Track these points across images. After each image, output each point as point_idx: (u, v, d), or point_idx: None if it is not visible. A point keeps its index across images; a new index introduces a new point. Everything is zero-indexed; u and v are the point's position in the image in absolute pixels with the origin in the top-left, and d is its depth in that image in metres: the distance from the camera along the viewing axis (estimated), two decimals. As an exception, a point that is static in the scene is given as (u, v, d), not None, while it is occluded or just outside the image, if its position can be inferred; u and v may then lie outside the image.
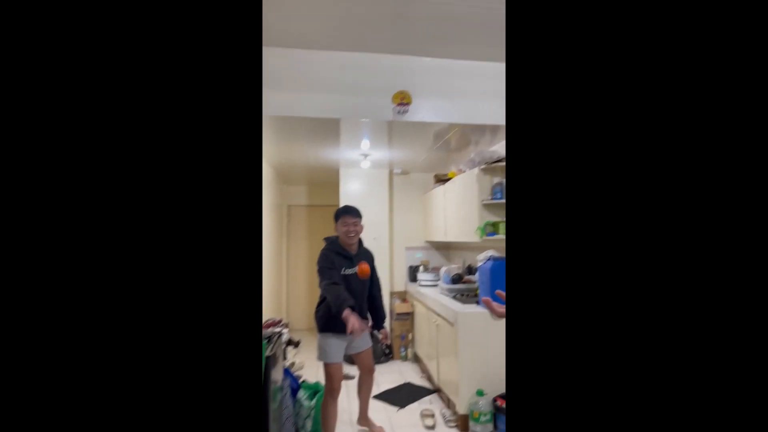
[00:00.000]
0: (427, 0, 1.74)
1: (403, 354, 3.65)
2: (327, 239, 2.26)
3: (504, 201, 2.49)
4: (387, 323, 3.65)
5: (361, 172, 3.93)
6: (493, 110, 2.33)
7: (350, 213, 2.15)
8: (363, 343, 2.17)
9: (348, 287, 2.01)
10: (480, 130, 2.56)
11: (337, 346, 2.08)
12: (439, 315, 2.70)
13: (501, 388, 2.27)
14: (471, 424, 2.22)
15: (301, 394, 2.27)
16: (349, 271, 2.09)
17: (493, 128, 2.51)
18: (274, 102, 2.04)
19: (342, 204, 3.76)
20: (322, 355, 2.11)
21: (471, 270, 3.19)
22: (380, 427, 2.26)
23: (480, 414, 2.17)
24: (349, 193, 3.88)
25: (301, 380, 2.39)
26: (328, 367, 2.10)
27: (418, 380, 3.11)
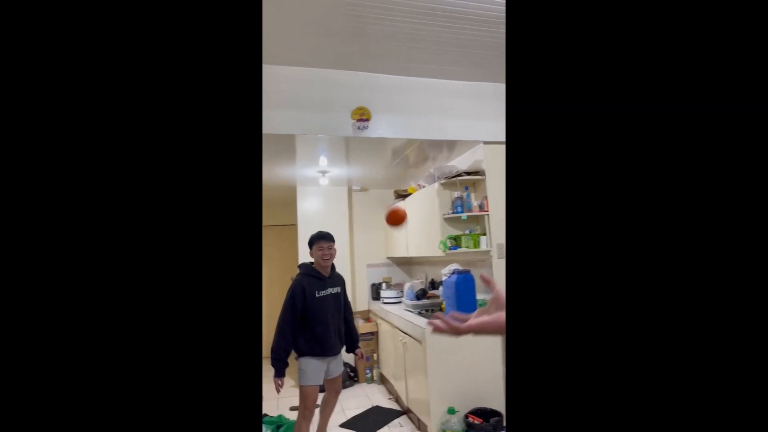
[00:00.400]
0: (385, 18, 1.74)
1: (369, 376, 3.54)
2: (301, 265, 2.34)
3: (462, 215, 2.53)
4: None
5: (319, 189, 3.84)
6: (451, 126, 2.39)
7: (325, 238, 2.20)
8: (337, 368, 2.24)
9: (322, 309, 2.12)
10: (438, 145, 2.60)
11: (317, 368, 2.12)
12: (405, 333, 2.65)
13: (472, 404, 2.27)
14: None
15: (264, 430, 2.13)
16: (323, 293, 2.15)
17: (451, 143, 2.56)
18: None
19: (300, 223, 3.70)
20: (302, 378, 2.11)
21: (434, 285, 3.19)
22: None
23: (453, 433, 2.14)
24: (307, 212, 3.77)
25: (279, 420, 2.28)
26: (306, 389, 2.11)
27: (386, 402, 3.02)
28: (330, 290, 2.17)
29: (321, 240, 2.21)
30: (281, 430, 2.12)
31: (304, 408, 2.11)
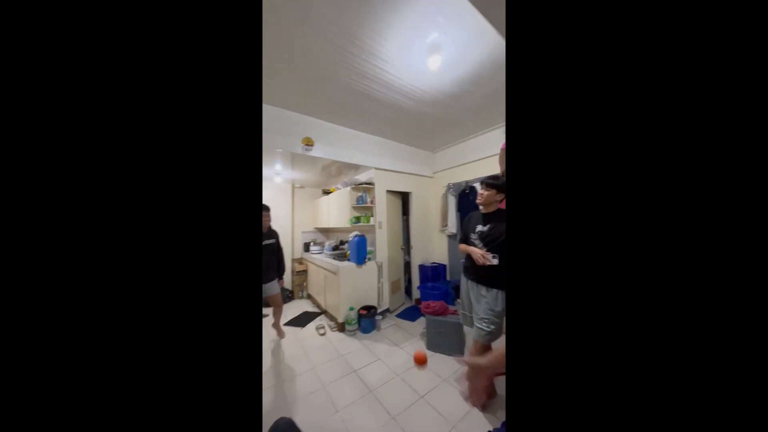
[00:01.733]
0: (331, 84, 1.64)
1: (301, 295, 3.34)
2: None
3: (362, 205, 2.58)
4: (288, 276, 3.27)
5: (274, 185, 3.37)
6: (359, 157, 2.39)
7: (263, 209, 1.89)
8: (273, 289, 2.01)
9: (265, 255, 1.90)
10: (349, 166, 2.57)
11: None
12: (325, 269, 2.59)
13: (361, 304, 2.34)
14: (346, 326, 2.21)
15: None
16: (266, 242, 1.92)
17: (356, 166, 2.56)
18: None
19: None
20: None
21: (342, 242, 3.18)
22: (283, 332, 2.20)
23: (351, 320, 2.19)
24: (266, 198, 3.27)
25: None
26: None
27: (311, 309, 2.90)
28: (267, 241, 1.92)
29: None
30: None
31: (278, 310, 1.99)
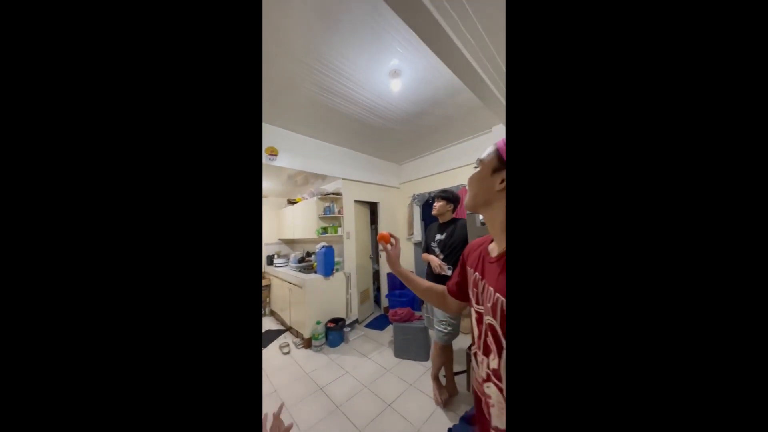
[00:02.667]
0: (296, 96, 1.65)
1: (264, 312, 3.10)
2: None
3: (329, 216, 2.57)
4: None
5: (231, 193, 3.13)
6: (325, 167, 2.40)
7: None
8: None
9: None
10: (315, 176, 2.55)
11: None
12: (290, 283, 2.47)
13: (328, 317, 2.28)
14: (313, 341, 2.13)
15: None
16: None
17: (324, 177, 2.56)
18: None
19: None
20: None
21: (309, 254, 3.08)
22: None
23: (318, 334, 2.12)
24: (220, 208, 3.02)
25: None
26: None
27: (274, 326, 2.72)
28: None
29: None
30: None
31: None
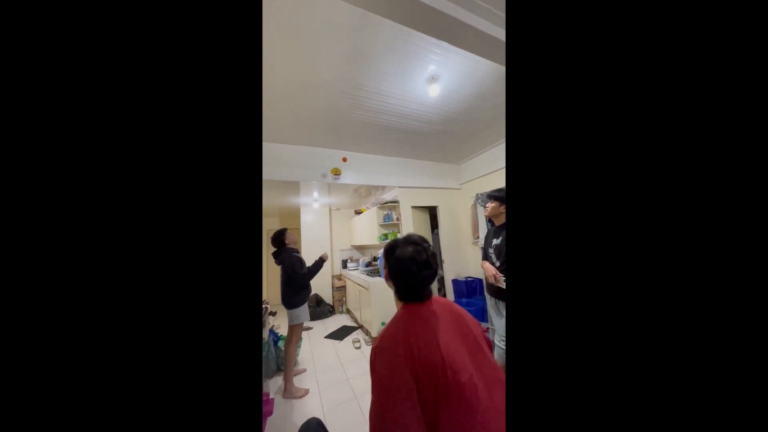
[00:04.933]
0: (349, 122, 1.90)
1: (341, 310, 3.57)
2: (285, 249, 1.81)
3: (388, 223, 2.73)
4: (329, 292, 3.54)
5: (313, 209, 3.83)
6: (383, 178, 2.59)
7: (288, 231, 1.87)
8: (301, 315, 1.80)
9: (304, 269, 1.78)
10: (376, 187, 2.78)
11: (305, 311, 1.77)
12: (360, 285, 2.75)
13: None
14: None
15: (280, 344, 2.09)
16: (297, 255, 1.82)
17: (383, 187, 2.76)
18: (264, 172, 1.95)
19: (303, 229, 3.68)
20: (296, 320, 1.72)
21: (375, 258, 3.34)
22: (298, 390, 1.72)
23: (383, 334, 2.26)
24: (306, 222, 3.75)
25: (279, 335, 2.21)
26: (297, 327, 1.74)
27: (349, 322, 3.07)
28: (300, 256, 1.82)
29: (288, 232, 1.85)
30: (280, 342, 2.11)
31: (297, 337, 1.76)
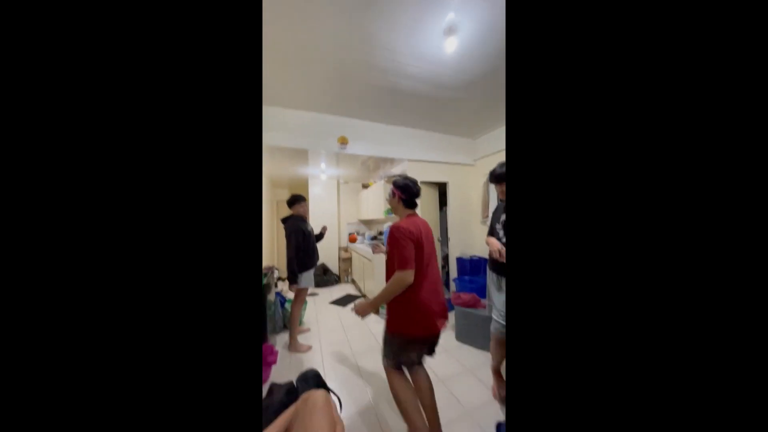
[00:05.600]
0: (356, 84, 1.77)
1: (347, 279, 3.72)
2: (292, 217, 1.91)
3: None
4: (335, 262, 3.66)
5: (320, 181, 3.81)
6: (391, 150, 2.48)
7: (304, 199, 1.96)
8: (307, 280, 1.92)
9: (312, 237, 1.91)
10: (384, 160, 2.70)
11: (310, 276, 1.90)
12: (364, 257, 2.81)
13: (395, 290, 2.46)
14: (380, 309, 2.39)
15: (287, 305, 2.23)
16: (310, 229, 1.93)
17: (392, 160, 2.66)
18: (269, 137, 1.91)
19: (311, 200, 3.71)
20: (301, 283, 1.82)
21: (380, 233, 3.37)
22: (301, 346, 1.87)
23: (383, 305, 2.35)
24: (314, 194, 3.76)
25: (286, 298, 2.35)
26: (302, 290, 1.87)
27: (354, 291, 3.22)
28: (311, 228, 1.94)
29: (302, 200, 1.91)
30: (286, 303, 2.25)
31: (301, 300, 1.88)
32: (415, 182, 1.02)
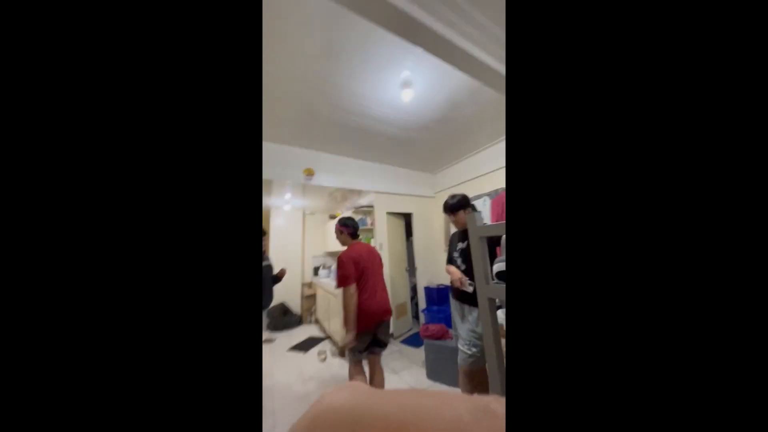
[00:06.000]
0: (321, 118, 1.87)
1: (310, 320, 3.36)
2: None
3: (363, 228, 2.68)
4: (297, 300, 3.34)
5: (284, 212, 3.66)
6: (358, 182, 2.56)
7: (263, 233, 1.84)
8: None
9: (263, 276, 1.70)
10: (351, 191, 2.75)
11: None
12: (331, 293, 2.63)
13: (362, 327, 2.30)
14: (347, 352, 2.17)
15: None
16: (264, 263, 1.77)
17: (359, 191, 2.73)
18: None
19: (272, 234, 3.45)
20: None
21: (348, 266, 3.24)
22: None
23: (351, 344, 2.15)
24: (277, 226, 3.55)
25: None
26: None
27: (318, 333, 2.89)
28: (266, 262, 1.82)
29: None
30: None
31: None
32: (354, 221, 1.46)
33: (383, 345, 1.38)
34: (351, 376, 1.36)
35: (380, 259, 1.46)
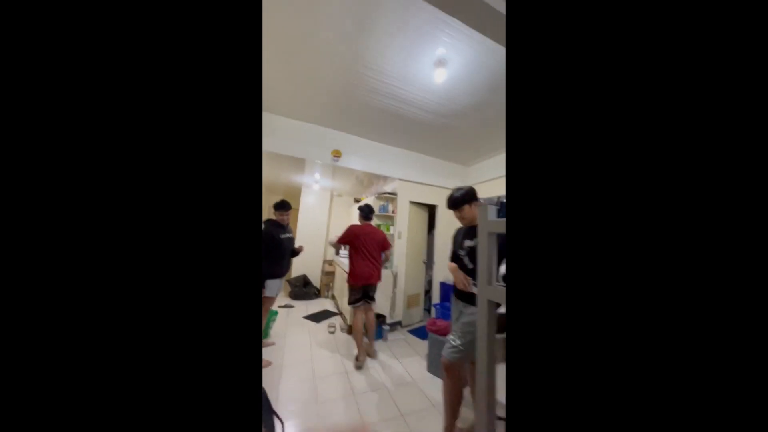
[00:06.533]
0: (351, 99, 1.85)
1: (327, 295, 3.58)
2: (267, 220, 1.88)
3: (384, 214, 2.68)
4: (317, 275, 3.55)
5: (313, 191, 3.84)
6: (384, 168, 2.54)
7: (283, 207, 1.90)
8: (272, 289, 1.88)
9: (282, 245, 1.84)
10: (377, 176, 2.74)
11: (277, 285, 1.83)
12: (346, 271, 2.72)
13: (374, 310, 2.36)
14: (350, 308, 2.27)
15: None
16: (283, 236, 1.87)
17: (384, 177, 2.71)
18: (267, 142, 1.96)
19: (301, 210, 3.69)
20: (266, 292, 1.77)
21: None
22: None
23: (359, 324, 2.23)
24: (306, 203, 3.76)
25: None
26: (268, 299, 1.79)
27: (332, 308, 3.07)
28: (287, 235, 1.90)
29: (286, 207, 1.90)
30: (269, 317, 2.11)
31: (265, 310, 1.84)
32: (369, 207, 2.00)
33: (372, 299, 1.93)
34: (353, 316, 1.88)
35: (382, 241, 1.92)
